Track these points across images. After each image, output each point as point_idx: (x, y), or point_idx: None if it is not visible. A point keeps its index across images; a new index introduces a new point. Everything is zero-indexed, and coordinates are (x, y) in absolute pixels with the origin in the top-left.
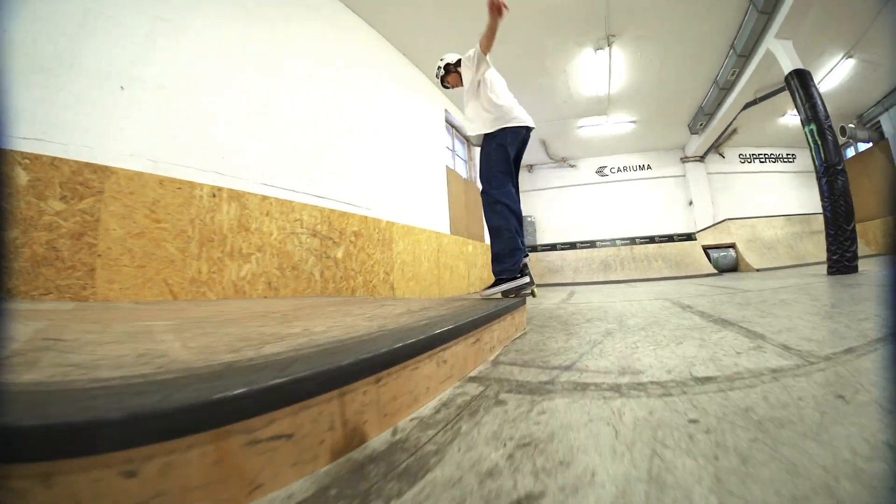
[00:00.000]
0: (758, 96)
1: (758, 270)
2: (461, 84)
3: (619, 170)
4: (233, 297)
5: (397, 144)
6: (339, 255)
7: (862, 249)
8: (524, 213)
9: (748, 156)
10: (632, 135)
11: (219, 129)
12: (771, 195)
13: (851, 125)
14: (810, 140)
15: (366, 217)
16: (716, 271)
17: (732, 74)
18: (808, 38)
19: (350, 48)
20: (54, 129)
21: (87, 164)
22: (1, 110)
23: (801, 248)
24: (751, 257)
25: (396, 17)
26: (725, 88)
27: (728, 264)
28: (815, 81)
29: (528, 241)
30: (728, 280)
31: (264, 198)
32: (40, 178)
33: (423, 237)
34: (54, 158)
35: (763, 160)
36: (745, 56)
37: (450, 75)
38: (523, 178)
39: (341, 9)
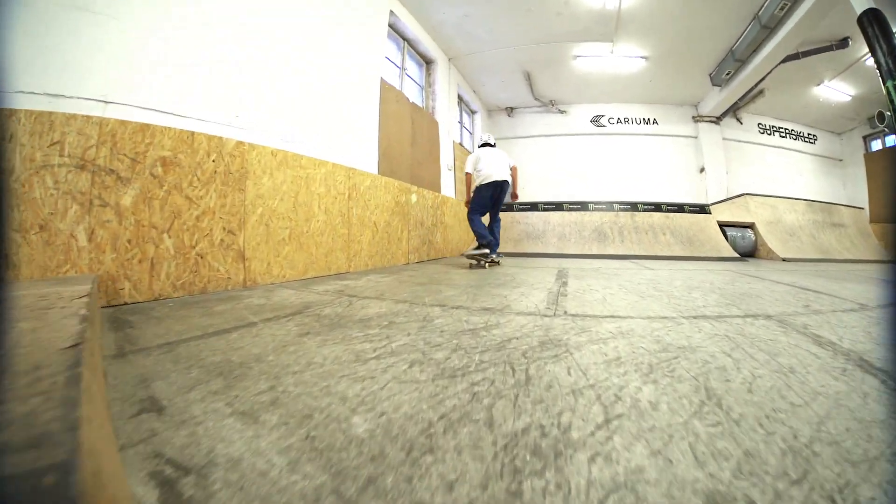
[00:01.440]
0: (801, 50)
1: (784, 260)
2: None
3: (619, 121)
4: None
5: (280, 22)
6: (127, 200)
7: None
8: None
9: (768, 127)
10: (639, 77)
11: None
12: (789, 175)
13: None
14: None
15: (192, 133)
16: (737, 255)
17: (781, 9)
18: None
19: None
20: None
21: None
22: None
23: (823, 240)
24: (773, 242)
25: None
26: (768, 27)
27: (746, 247)
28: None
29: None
30: (774, 272)
31: (12, 111)
32: None
33: (320, 173)
34: None
35: (784, 135)
36: None
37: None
38: (502, 122)
39: None
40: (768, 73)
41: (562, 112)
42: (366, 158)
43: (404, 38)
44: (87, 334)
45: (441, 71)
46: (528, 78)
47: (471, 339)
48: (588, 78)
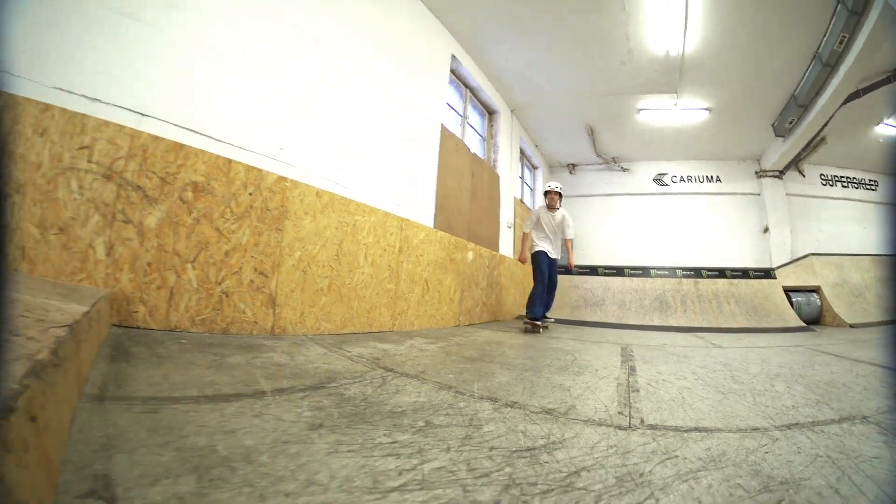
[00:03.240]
0: (861, 87)
1: (851, 326)
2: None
3: (682, 179)
4: None
5: (338, 58)
6: (152, 221)
7: None
8: None
9: (830, 177)
10: (703, 131)
11: None
12: (852, 228)
13: None
14: None
15: (230, 161)
16: (803, 324)
17: (840, 43)
18: None
19: None
20: None
21: None
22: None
23: (890, 298)
24: (839, 306)
25: None
26: (829, 65)
27: (812, 313)
28: None
29: (563, 258)
30: (847, 344)
31: (28, 100)
32: None
33: (369, 221)
34: None
35: (846, 184)
36: (856, 13)
37: (557, 199)
38: (564, 179)
39: None
40: (831, 115)
41: (624, 170)
42: (421, 209)
43: (466, 86)
44: (47, 374)
45: (503, 122)
46: (591, 133)
47: (529, 467)
48: (651, 133)
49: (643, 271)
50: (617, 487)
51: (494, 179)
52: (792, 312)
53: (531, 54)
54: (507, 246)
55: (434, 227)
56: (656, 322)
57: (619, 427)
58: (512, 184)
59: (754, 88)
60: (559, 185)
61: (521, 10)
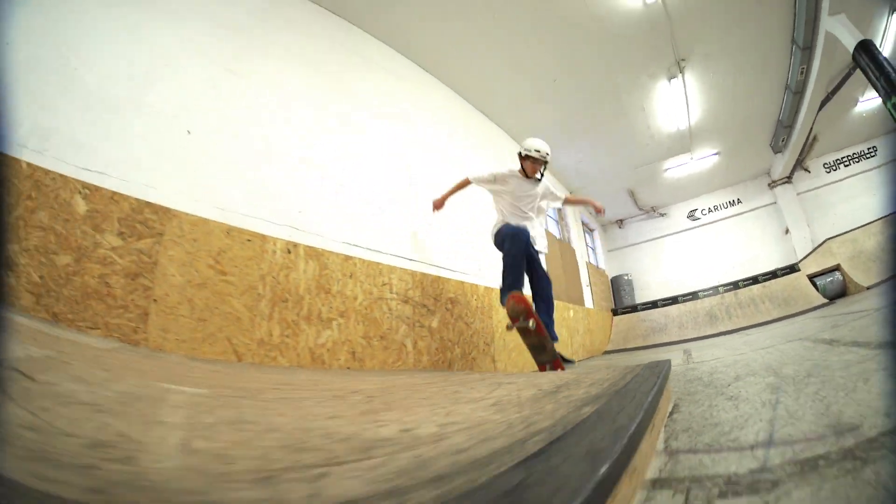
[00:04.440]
0: (829, 90)
1: (868, 288)
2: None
3: (710, 210)
4: (309, 366)
5: (483, 204)
6: (435, 324)
7: None
8: (621, 272)
9: (832, 163)
10: (718, 168)
11: (294, 182)
12: (862, 199)
13: None
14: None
15: (462, 282)
16: (826, 300)
17: (801, 73)
18: (857, 5)
19: (424, 105)
20: (117, 165)
21: (149, 204)
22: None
23: (891, 255)
24: (857, 275)
25: (469, 76)
26: (798, 92)
27: (836, 289)
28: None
29: (626, 300)
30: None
31: (347, 258)
32: (99, 210)
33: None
34: (114, 193)
35: (847, 163)
36: (808, 48)
37: (540, 166)
38: (616, 233)
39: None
40: (813, 122)
41: (662, 215)
42: None
43: None
44: None
45: (568, 206)
46: (631, 194)
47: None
48: (678, 182)
49: (693, 295)
50: (693, 373)
51: (571, 252)
52: (816, 294)
53: (580, 153)
54: (588, 300)
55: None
56: (708, 332)
57: (686, 364)
58: (582, 252)
59: (747, 127)
60: (546, 149)
61: (571, 124)
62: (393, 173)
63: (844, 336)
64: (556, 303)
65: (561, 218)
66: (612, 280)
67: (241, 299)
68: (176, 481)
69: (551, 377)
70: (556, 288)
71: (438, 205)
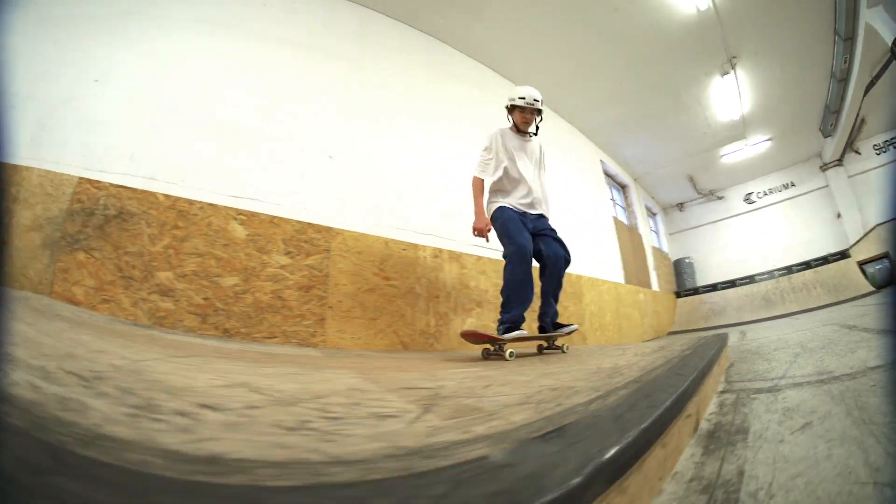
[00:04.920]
0: (873, 75)
1: None
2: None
3: (765, 193)
4: (457, 349)
5: (567, 199)
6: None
7: None
8: (682, 255)
9: (882, 144)
10: (771, 152)
11: (436, 197)
12: None
13: None
14: None
15: (579, 277)
16: (873, 289)
17: (844, 62)
18: None
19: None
20: (267, 192)
21: (311, 224)
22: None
23: None
24: None
25: (545, 79)
26: (843, 79)
27: (884, 278)
28: None
29: (687, 283)
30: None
31: (479, 258)
32: (260, 233)
33: (605, 288)
34: (273, 217)
35: None
36: (849, 38)
37: (534, 117)
38: (676, 217)
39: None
40: (860, 106)
41: (720, 198)
42: (617, 273)
43: (607, 174)
44: None
45: (633, 193)
46: (691, 179)
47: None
48: (734, 167)
49: (750, 279)
50: (745, 347)
51: (639, 238)
52: (864, 282)
53: (644, 144)
54: (654, 283)
55: (625, 282)
56: (763, 315)
57: (740, 340)
58: (648, 237)
59: (797, 113)
60: (535, 95)
61: (637, 119)
62: None
63: (862, 323)
64: (627, 287)
65: (628, 205)
66: (674, 263)
67: (404, 299)
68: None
69: (662, 342)
70: (629, 274)
71: (482, 230)
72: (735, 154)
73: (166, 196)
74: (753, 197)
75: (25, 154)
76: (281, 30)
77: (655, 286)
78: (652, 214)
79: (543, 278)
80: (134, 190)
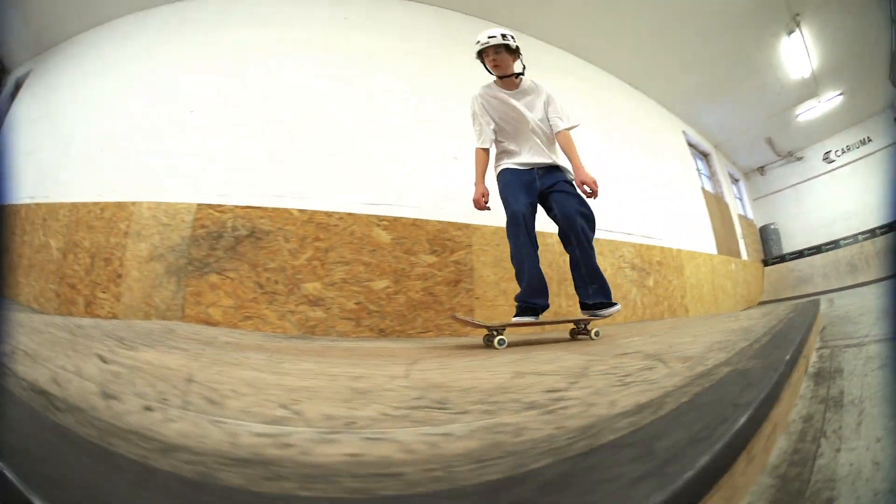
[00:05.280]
0: None
1: None
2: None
3: (843, 150)
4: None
5: (656, 176)
6: (651, 283)
7: None
8: (767, 221)
9: None
10: (844, 107)
11: None
12: None
13: None
14: None
15: (663, 247)
16: None
17: None
18: None
19: (590, 93)
20: (403, 197)
21: (451, 223)
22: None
23: None
24: None
25: (620, 54)
26: None
27: None
28: None
29: (773, 250)
30: None
31: (595, 239)
32: (405, 236)
33: (701, 260)
34: (415, 220)
35: None
36: None
37: (506, 56)
38: (758, 182)
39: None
40: None
41: (798, 159)
42: (709, 244)
43: (690, 145)
44: None
45: (716, 161)
46: (770, 142)
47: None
48: (809, 125)
49: (834, 244)
50: (834, 314)
51: (725, 206)
52: None
53: (720, 112)
54: (743, 252)
55: (717, 253)
56: (849, 283)
57: (829, 308)
58: (733, 204)
59: (864, 65)
60: (492, 31)
61: (712, 87)
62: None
63: None
64: (720, 257)
65: (712, 173)
66: (759, 230)
67: None
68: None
69: (763, 310)
70: (720, 244)
71: (477, 201)
72: (810, 112)
73: (301, 211)
74: (832, 156)
75: (128, 191)
76: (373, 42)
77: (744, 255)
78: (734, 181)
79: (564, 243)
80: (264, 209)
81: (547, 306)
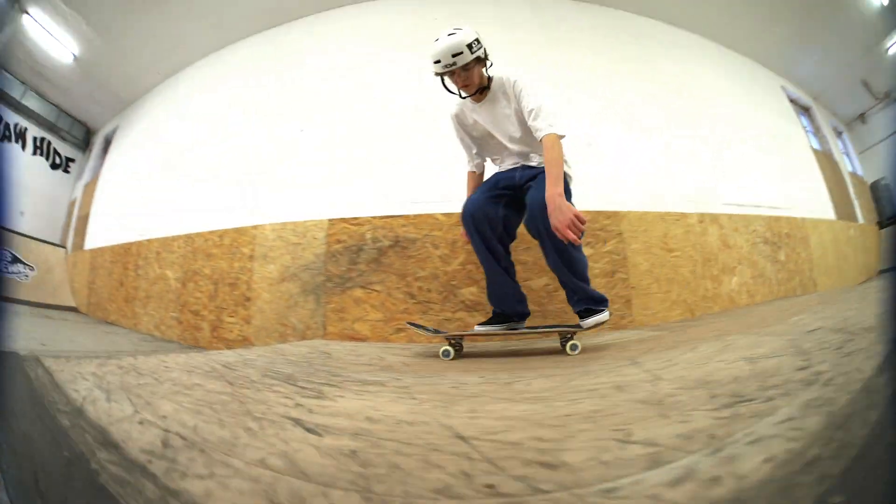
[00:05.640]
0: None
1: None
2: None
3: None
4: (729, 308)
5: (763, 141)
6: (782, 257)
7: None
8: (876, 176)
9: None
10: None
11: (680, 163)
12: None
13: None
14: None
15: (789, 217)
16: None
17: None
18: None
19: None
20: None
21: (601, 212)
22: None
23: None
24: None
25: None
26: None
27: None
28: None
29: (886, 209)
30: None
31: (730, 216)
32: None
33: (823, 228)
34: None
35: None
36: None
37: (473, 70)
38: (861, 132)
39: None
40: None
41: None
42: (827, 210)
43: (791, 100)
44: None
45: (818, 114)
46: (866, 84)
47: None
48: None
49: None
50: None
51: (835, 164)
52: None
53: (813, 59)
54: (858, 214)
55: (836, 218)
56: None
57: None
58: (841, 161)
59: None
60: (444, 46)
61: (802, 33)
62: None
63: None
64: (840, 223)
65: (816, 129)
66: (869, 187)
67: (686, 268)
68: None
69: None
70: (836, 207)
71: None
72: None
73: (446, 215)
74: None
75: (246, 217)
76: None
77: (860, 218)
78: (838, 134)
79: (533, 236)
80: (406, 217)
81: (522, 314)
